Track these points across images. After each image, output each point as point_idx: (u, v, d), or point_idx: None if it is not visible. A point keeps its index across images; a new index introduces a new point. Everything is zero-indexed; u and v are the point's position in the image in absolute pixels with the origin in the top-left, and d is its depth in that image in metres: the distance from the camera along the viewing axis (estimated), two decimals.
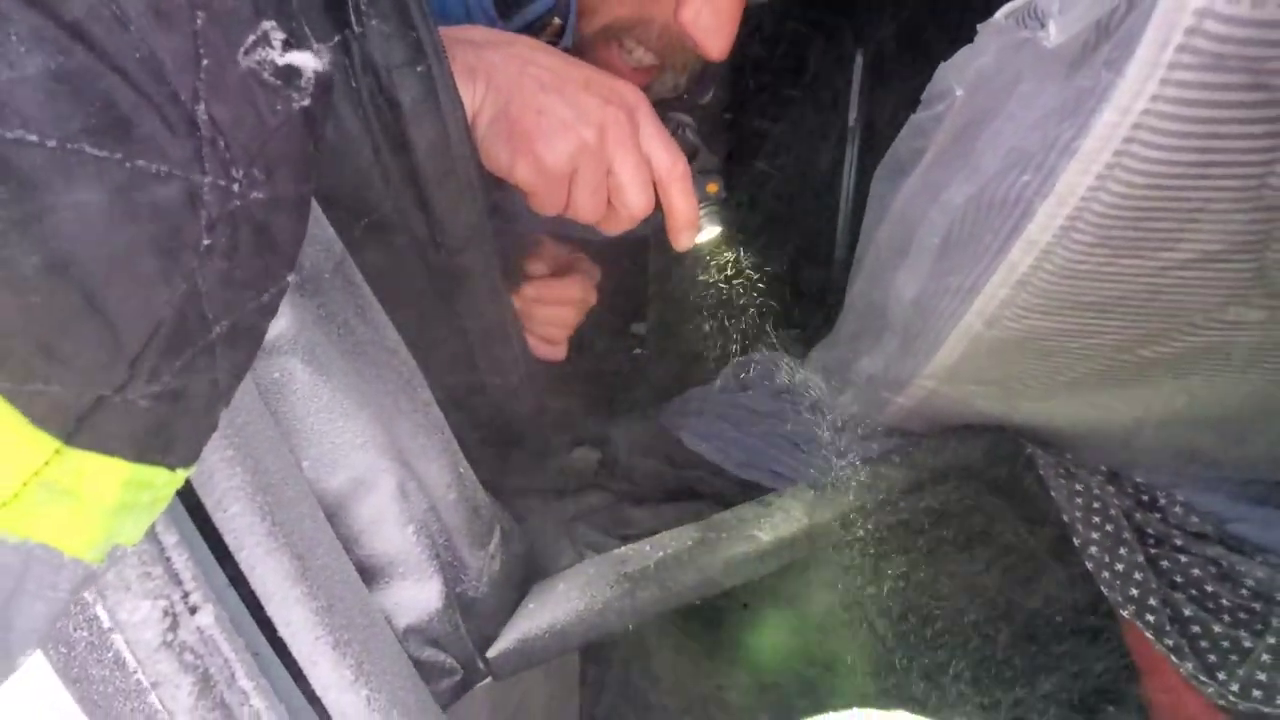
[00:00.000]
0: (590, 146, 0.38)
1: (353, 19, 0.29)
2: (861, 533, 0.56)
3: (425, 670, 0.39)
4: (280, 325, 0.34)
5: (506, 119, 0.37)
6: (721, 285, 0.54)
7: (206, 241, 0.19)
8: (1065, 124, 0.35)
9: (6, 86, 0.15)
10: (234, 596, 0.27)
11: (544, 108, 0.37)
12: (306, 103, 0.21)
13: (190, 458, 0.20)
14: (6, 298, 0.15)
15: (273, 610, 0.28)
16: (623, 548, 0.50)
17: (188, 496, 0.26)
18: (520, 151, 0.38)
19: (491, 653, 0.42)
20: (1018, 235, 0.40)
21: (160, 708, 0.23)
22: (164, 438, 0.19)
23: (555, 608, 0.45)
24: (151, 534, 0.24)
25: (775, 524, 0.52)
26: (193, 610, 0.24)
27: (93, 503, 0.17)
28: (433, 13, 0.32)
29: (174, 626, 0.23)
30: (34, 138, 0.15)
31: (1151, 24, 0.31)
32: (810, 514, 0.54)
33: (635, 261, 0.85)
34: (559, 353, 0.61)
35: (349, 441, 0.37)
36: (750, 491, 0.65)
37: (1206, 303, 0.44)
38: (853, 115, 0.84)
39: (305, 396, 0.35)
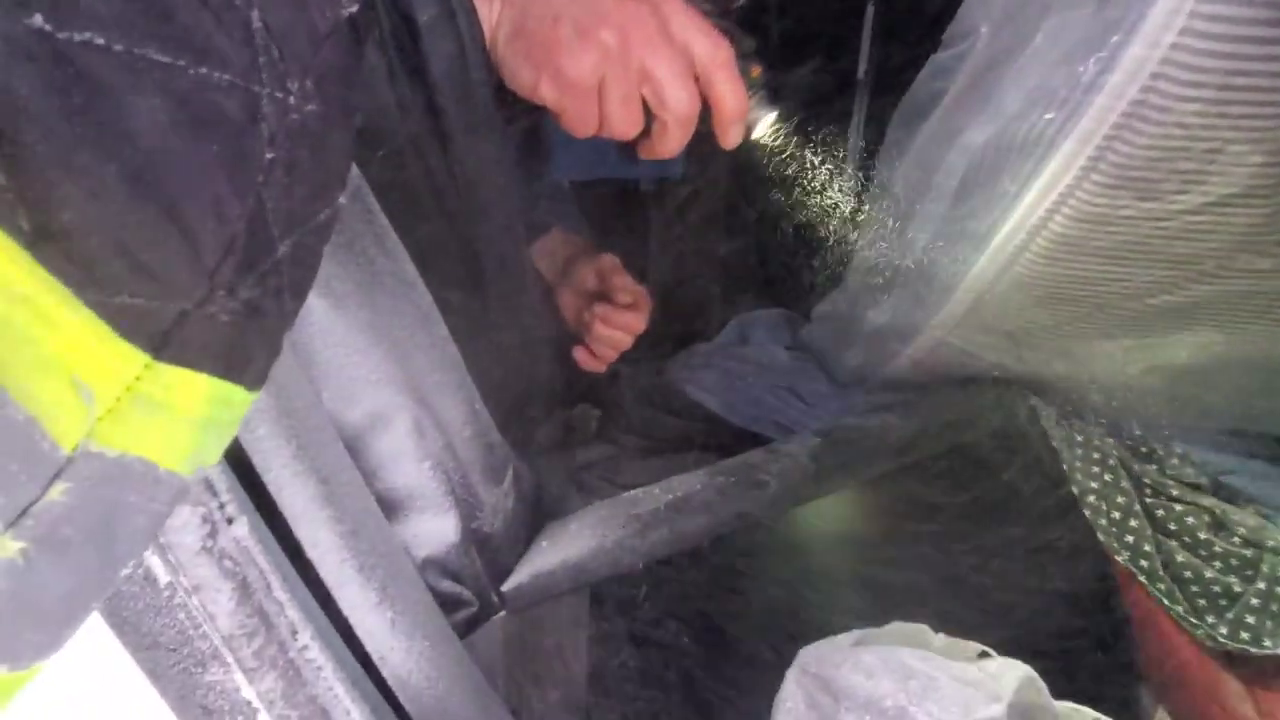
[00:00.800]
0: (613, 50, 0.35)
1: None
2: (865, 479, 0.57)
3: (443, 601, 0.39)
4: None
5: (524, 34, 0.35)
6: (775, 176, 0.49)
7: (269, 155, 0.18)
8: (1092, 58, 0.35)
9: None
10: (263, 516, 0.27)
11: (558, 13, 0.35)
12: (354, 9, 0.21)
13: (261, 379, 0.20)
14: (90, 206, 0.15)
15: (301, 532, 0.29)
16: (634, 490, 0.51)
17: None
18: (542, 67, 0.35)
19: (506, 587, 0.43)
20: (1037, 177, 0.40)
21: (202, 611, 0.24)
22: (242, 355, 0.19)
23: (568, 545, 0.46)
24: None
25: (783, 469, 0.52)
26: (229, 521, 0.24)
27: (182, 416, 0.18)
28: None
29: (213, 534, 0.24)
30: (102, 40, 0.15)
31: None
32: (817, 460, 0.55)
33: (637, 217, 0.84)
34: (600, 367, 0.62)
35: (365, 376, 0.37)
36: (754, 443, 0.66)
37: (1219, 249, 0.44)
38: (862, 67, 0.83)
39: (322, 329, 0.35)
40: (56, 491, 0.15)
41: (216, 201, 0.17)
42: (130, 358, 0.16)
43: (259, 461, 0.28)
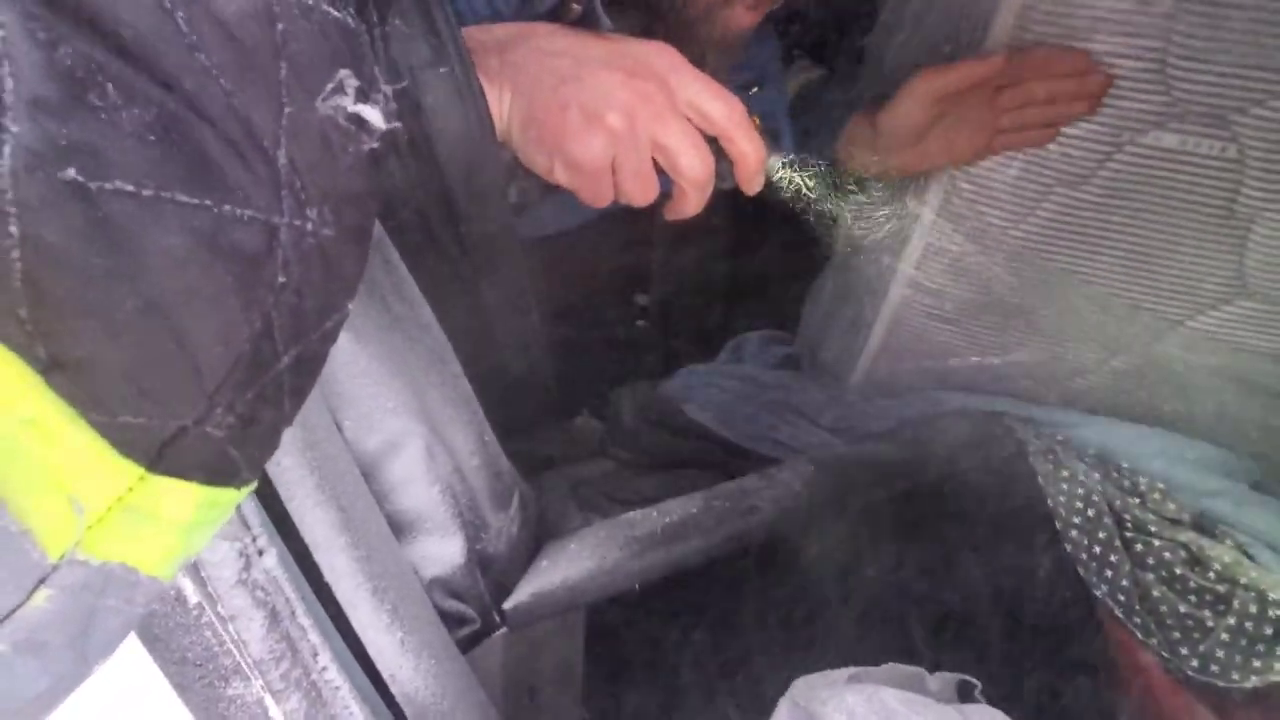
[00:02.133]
0: (620, 132, 0.36)
1: (374, 17, 0.29)
2: (856, 507, 0.59)
3: (447, 619, 0.41)
4: None
5: (535, 122, 0.36)
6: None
7: (281, 279, 0.19)
8: None
9: (105, 139, 0.15)
10: (286, 543, 0.29)
11: (566, 102, 0.36)
12: (375, 144, 0.22)
13: (255, 475, 0.21)
14: (105, 340, 0.16)
15: (320, 558, 0.31)
16: (632, 512, 0.53)
17: None
18: (554, 153, 0.37)
19: (507, 605, 0.45)
20: None
21: (236, 638, 0.26)
22: (235, 462, 0.19)
23: (567, 566, 0.48)
24: None
25: (776, 496, 0.54)
26: (260, 552, 0.26)
27: (169, 524, 0.18)
28: (456, 12, 0.32)
29: (247, 566, 0.26)
30: (130, 187, 0.16)
31: None
32: (809, 488, 0.57)
33: (640, 232, 0.86)
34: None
35: (383, 406, 0.39)
36: (751, 460, 0.68)
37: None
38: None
39: (345, 362, 0.37)
40: (40, 598, 0.16)
41: (225, 326, 0.18)
42: (125, 472, 0.17)
43: (284, 491, 0.30)
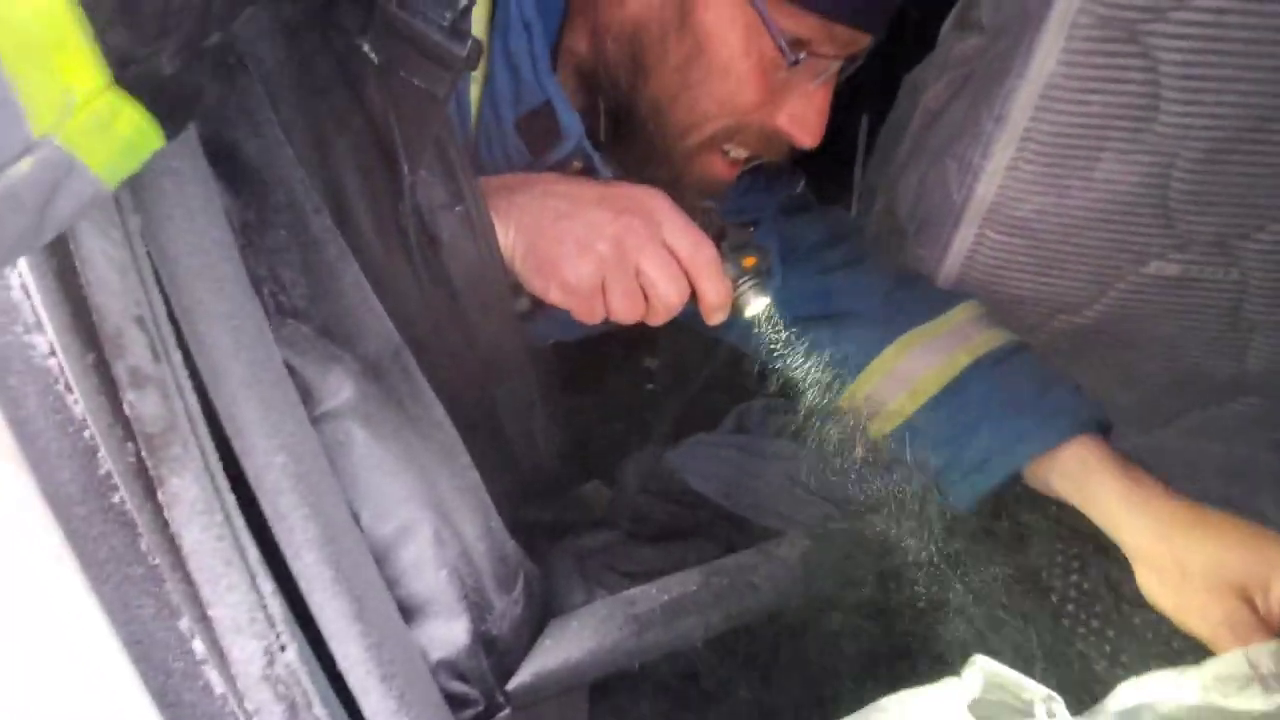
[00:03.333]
0: (608, 259, 0.42)
1: (405, 169, 0.34)
2: (856, 582, 0.60)
3: (452, 701, 0.43)
4: (344, 395, 0.40)
5: (534, 253, 0.42)
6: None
7: None
8: None
9: None
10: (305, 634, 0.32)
11: (562, 235, 0.42)
12: None
13: (176, 134, 0.25)
14: None
15: (334, 647, 0.33)
16: (632, 590, 0.54)
17: (273, 552, 0.31)
18: (550, 278, 0.43)
19: (510, 685, 0.47)
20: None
21: None
22: (169, 100, 0.24)
23: (569, 645, 0.49)
24: (253, 585, 0.29)
25: (773, 573, 0.56)
26: (283, 648, 0.29)
27: (114, 137, 0.23)
28: (473, 162, 0.38)
29: (271, 663, 0.28)
30: None
31: None
32: (806, 564, 0.59)
33: None
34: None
35: (398, 494, 0.42)
36: (753, 532, 0.69)
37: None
38: (857, 176, 0.89)
39: (363, 456, 0.40)
40: (24, 164, 0.21)
41: None
42: (98, 73, 0.22)
43: (305, 586, 0.33)
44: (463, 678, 0.45)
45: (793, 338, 0.54)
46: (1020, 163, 0.47)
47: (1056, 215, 0.49)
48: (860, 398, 0.57)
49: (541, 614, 0.52)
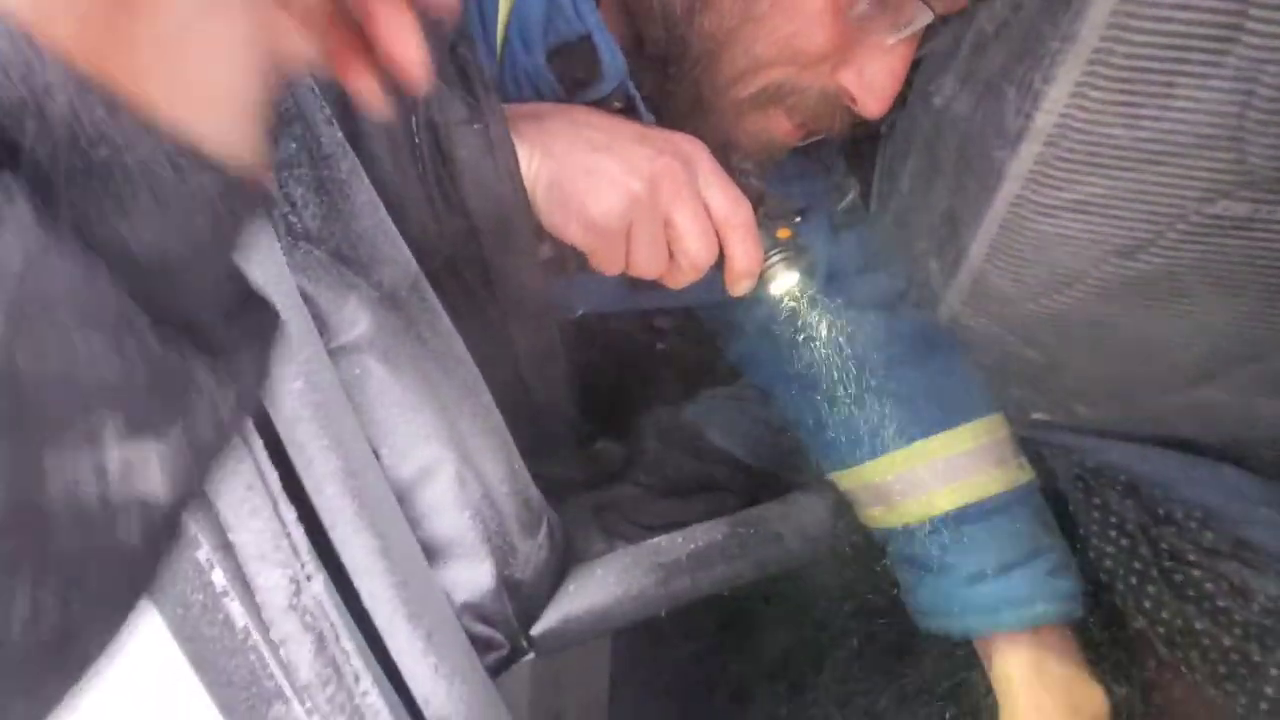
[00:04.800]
0: (641, 198, 0.37)
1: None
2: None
3: (476, 643, 0.42)
4: (361, 327, 0.38)
5: (560, 184, 0.38)
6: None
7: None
8: None
9: None
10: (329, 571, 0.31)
11: (593, 167, 0.37)
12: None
13: None
14: None
15: (359, 583, 0.32)
16: (657, 538, 0.53)
17: (293, 482, 0.30)
18: (573, 212, 0.38)
19: (535, 631, 0.46)
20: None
21: (284, 661, 0.27)
22: None
23: (594, 592, 0.48)
24: (275, 511, 0.27)
25: (800, 522, 0.55)
26: (309, 578, 0.27)
27: None
28: (499, 88, 0.34)
29: (298, 592, 0.27)
30: None
31: None
32: (834, 513, 0.57)
33: None
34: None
35: (417, 433, 0.40)
36: (778, 487, 0.68)
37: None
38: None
39: (380, 391, 0.39)
40: None
41: None
42: None
43: (327, 519, 0.31)
44: (487, 621, 0.44)
45: (817, 325, 0.49)
46: (1088, 87, 0.43)
47: (1123, 146, 0.45)
48: (869, 482, 0.52)
49: (563, 561, 0.51)
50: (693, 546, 0.52)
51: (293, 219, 0.33)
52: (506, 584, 0.45)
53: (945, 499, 0.48)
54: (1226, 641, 0.58)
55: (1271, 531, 0.65)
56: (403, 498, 0.41)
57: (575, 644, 0.47)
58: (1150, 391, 0.66)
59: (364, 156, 0.34)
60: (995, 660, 0.46)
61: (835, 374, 0.48)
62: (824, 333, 0.48)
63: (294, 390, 0.30)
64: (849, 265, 0.58)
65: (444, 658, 0.35)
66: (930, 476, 0.48)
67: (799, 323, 0.48)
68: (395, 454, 0.40)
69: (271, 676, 0.29)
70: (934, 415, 0.49)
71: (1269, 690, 0.55)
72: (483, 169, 0.36)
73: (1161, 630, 0.59)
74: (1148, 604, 0.60)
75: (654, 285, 0.44)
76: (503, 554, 0.45)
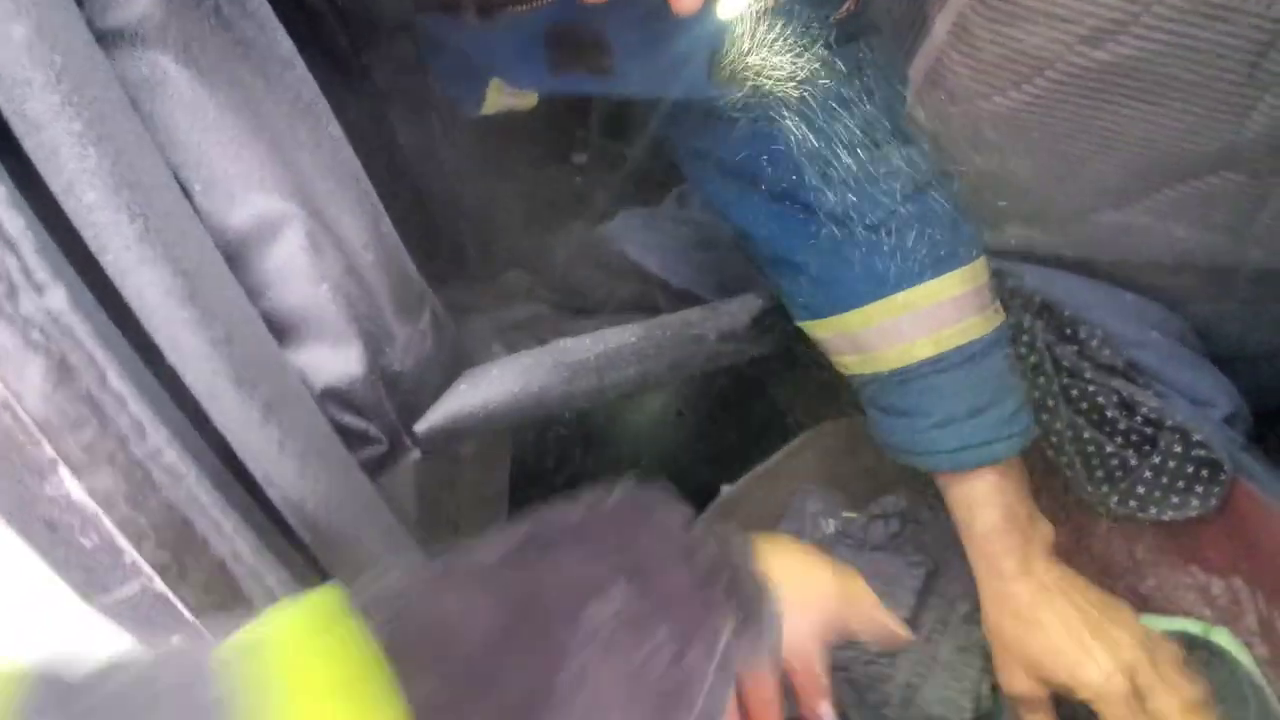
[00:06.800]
0: None
1: None
2: (804, 345, 0.56)
3: (347, 435, 0.36)
4: (141, 6, 0.27)
5: None
6: None
7: None
8: None
9: None
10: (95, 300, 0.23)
11: None
12: None
13: None
14: None
15: (157, 331, 0.24)
16: (564, 340, 0.48)
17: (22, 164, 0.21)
18: None
19: (419, 427, 0.40)
20: None
21: (5, 388, 0.20)
22: None
23: (488, 389, 0.43)
24: None
25: (722, 327, 0.50)
26: (38, 288, 0.20)
27: None
28: None
29: (12, 295, 0.19)
30: None
31: None
32: (758, 322, 0.53)
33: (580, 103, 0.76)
34: None
35: (246, 174, 0.31)
36: (700, 305, 0.63)
37: None
38: None
39: (185, 105, 0.29)
40: None
41: None
42: None
43: (92, 239, 0.23)
44: (358, 412, 0.38)
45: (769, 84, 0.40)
46: None
47: None
48: (847, 332, 0.45)
49: (455, 359, 0.45)
50: (602, 348, 0.47)
51: None
52: (382, 374, 0.39)
53: (925, 348, 0.43)
54: (1109, 449, 0.61)
55: (1156, 353, 0.68)
56: (236, 258, 0.32)
57: (466, 441, 0.42)
58: (1080, 211, 0.65)
59: None
60: (954, 491, 0.45)
61: (816, 214, 0.42)
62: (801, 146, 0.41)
63: (16, 40, 0.20)
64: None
65: (292, 435, 0.29)
66: (913, 326, 0.43)
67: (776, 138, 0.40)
68: (217, 196, 0.30)
69: (38, 443, 0.22)
70: (923, 261, 0.43)
71: (1140, 490, 0.59)
72: None
73: (1053, 439, 0.61)
74: (1044, 416, 0.62)
75: (578, 60, 0.35)
76: (375, 339, 0.38)
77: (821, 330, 0.47)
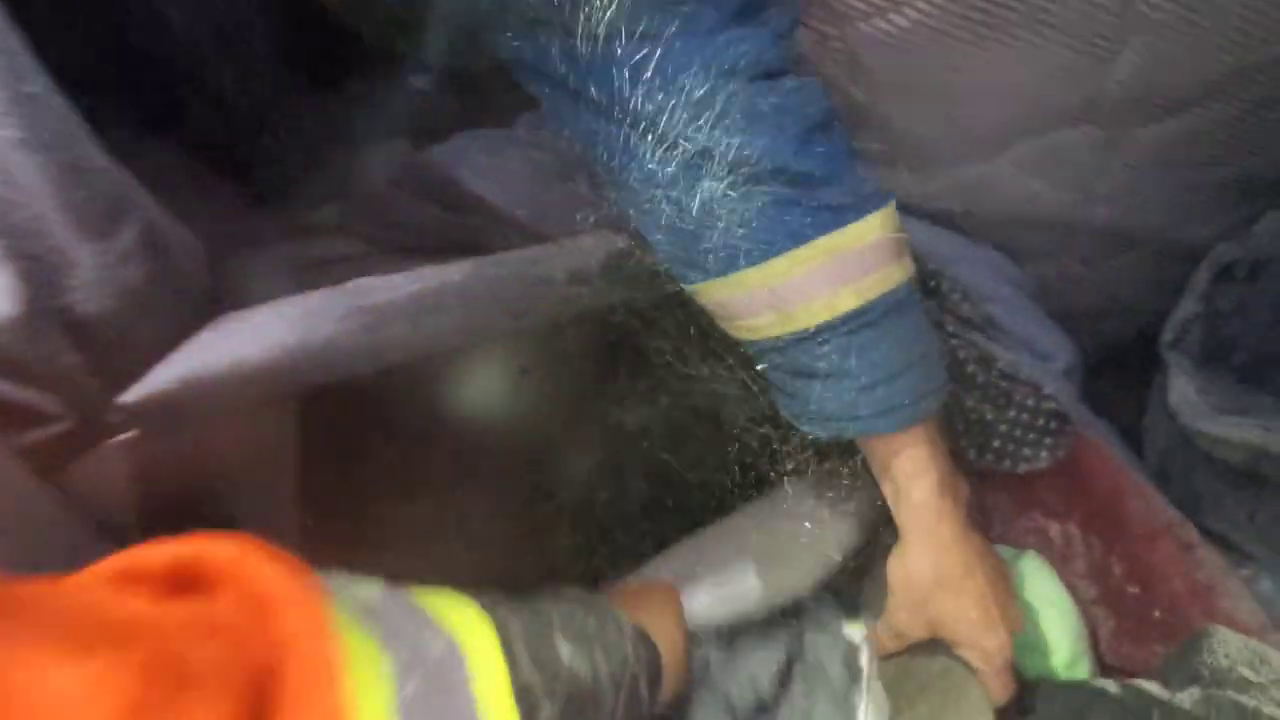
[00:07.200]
0: None
1: None
2: (658, 290, 0.48)
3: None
4: None
5: None
6: None
7: None
8: None
9: None
10: None
11: None
12: None
13: None
14: None
15: None
16: (363, 279, 0.36)
17: None
18: None
19: (130, 397, 0.28)
20: None
21: None
22: None
23: (248, 341, 0.31)
24: None
25: (572, 264, 0.41)
26: None
27: None
28: None
29: None
30: None
31: None
32: (614, 265, 0.45)
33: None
34: None
35: None
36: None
37: None
38: None
39: None
40: None
41: None
42: None
43: None
44: (18, 376, 0.25)
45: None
46: None
47: None
48: (756, 289, 0.39)
49: (194, 303, 0.32)
50: (417, 287, 0.36)
51: None
52: (60, 317, 0.26)
53: (849, 299, 0.38)
54: (969, 403, 0.61)
55: (1006, 307, 0.70)
56: None
57: (211, 414, 0.30)
58: (950, 160, 0.64)
59: None
60: (884, 456, 0.42)
61: (703, 159, 0.33)
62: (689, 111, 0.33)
63: None
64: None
65: None
66: (839, 273, 0.37)
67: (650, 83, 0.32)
68: None
69: None
70: (834, 206, 0.36)
71: (995, 444, 0.60)
72: None
73: None
74: None
75: None
76: (40, 264, 0.25)
77: (723, 292, 0.39)
